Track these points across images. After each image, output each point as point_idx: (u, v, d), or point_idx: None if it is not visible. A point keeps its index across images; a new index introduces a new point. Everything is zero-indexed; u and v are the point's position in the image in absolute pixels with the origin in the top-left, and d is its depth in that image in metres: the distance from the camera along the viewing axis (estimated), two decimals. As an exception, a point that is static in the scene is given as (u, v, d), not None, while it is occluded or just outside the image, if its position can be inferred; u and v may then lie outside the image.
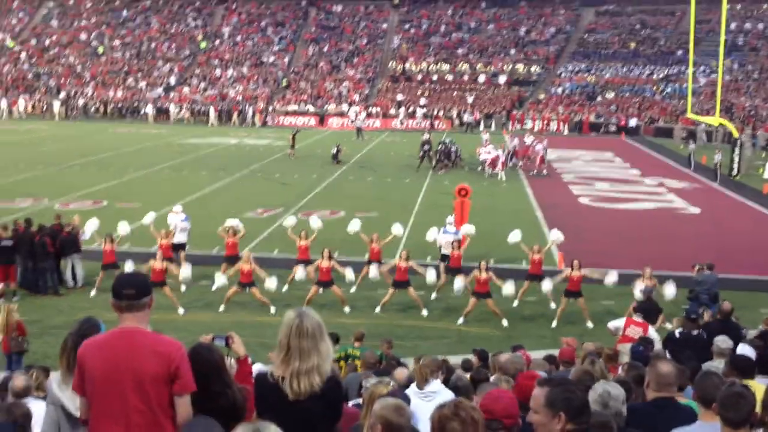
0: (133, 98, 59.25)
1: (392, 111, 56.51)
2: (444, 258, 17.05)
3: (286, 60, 64.43)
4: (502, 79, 59.78)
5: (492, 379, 7.36)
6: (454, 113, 55.65)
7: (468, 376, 7.76)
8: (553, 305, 15.53)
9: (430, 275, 15.77)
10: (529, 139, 37.70)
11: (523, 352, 9.44)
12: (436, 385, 6.28)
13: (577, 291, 14.96)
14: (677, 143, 46.08)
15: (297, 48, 66.19)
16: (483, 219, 20.95)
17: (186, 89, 60.57)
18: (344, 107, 56.70)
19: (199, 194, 27.20)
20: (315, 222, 17.58)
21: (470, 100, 57.13)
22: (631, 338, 10.92)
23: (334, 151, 35.98)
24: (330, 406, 4.02)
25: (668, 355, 8.74)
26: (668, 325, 12.35)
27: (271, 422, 3.01)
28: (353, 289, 16.32)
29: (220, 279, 15.88)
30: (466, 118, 54.00)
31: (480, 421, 3.44)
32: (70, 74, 62.67)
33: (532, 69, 60.84)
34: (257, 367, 7.01)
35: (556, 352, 9.92)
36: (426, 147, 34.66)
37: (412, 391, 6.23)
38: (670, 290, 14.54)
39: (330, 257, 15.50)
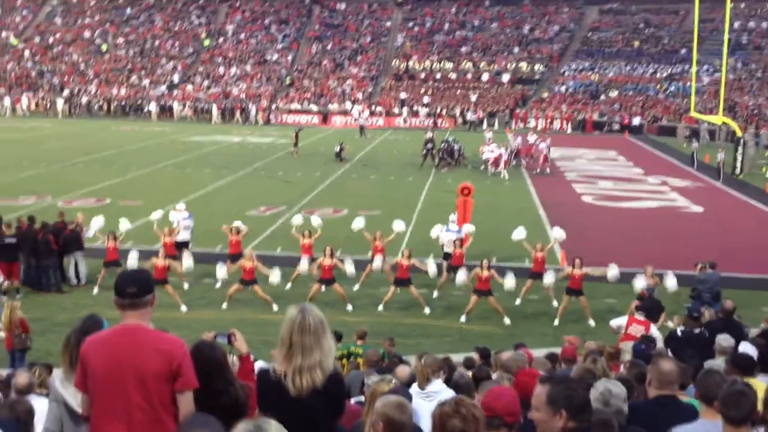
0: (137, 96, 59.27)
1: (395, 109, 56.51)
2: (446, 256, 17.09)
3: (290, 58, 64.41)
4: (505, 77, 59.70)
5: (494, 376, 7.36)
6: (458, 111, 55.60)
7: (470, 373, 7.76)
8: (555, 303, 15.57)
9: (432, 268, 15.80)
10: (532, 138, 37.61)
11: (525, 350, 9.45)
12: (437, 384, 6.29)
13: (578, 289, 14.97)
14: (680, 142, 45.97)
15: (300, 46, 66.16)
16: (486, 217, 20.95)
17: (189, 87, 60.60)
18: (347, 105, 56.66)
19: (203, 192, 27.21)
20: (315, 220, 17.73)
21: (473, 98, 57.06)
22: (633, 336, 10.94)
23: (337, 149, 35.95)
24: (332, 402, 4.02)
25: (670, 354, 8.73)
26: (670, 324, 12.35)
27: (273, 419, 3.02)
28: (356, 287, 16.36)
29: (222, 270, 15.89)
30: (470, 116, 53.99)
31: (481, 418, 3.44)
32: (73, 72, 62.66)
33: (536, 67, 60.76)
34: (259, 365, 7.01)
35: (558, 351, 9.92)
36: (429, 145, 34.64)
37: (413, 390, 6.24)
38: (671, 282, 14.61)
39: (332, 255, 15.57)
